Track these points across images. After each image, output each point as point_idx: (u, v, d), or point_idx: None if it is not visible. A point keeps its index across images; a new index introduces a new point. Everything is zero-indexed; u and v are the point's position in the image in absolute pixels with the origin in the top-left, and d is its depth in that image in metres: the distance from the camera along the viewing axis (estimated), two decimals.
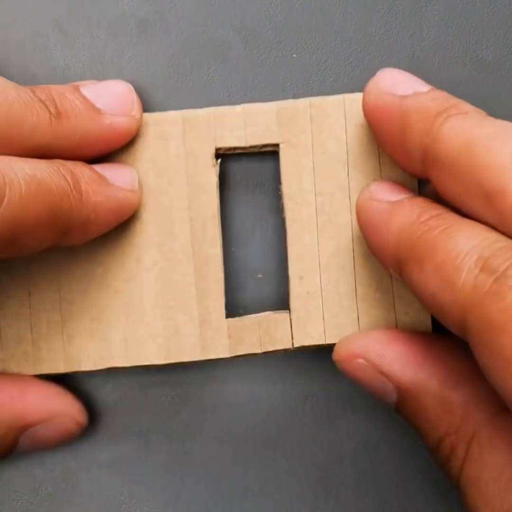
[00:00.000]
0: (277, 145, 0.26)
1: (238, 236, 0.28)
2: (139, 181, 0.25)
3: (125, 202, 0.25)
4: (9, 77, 0.28)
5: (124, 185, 0.25)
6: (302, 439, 0.28)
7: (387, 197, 0.23)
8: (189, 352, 0.26)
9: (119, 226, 0.25)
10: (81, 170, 0.23)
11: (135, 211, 0.25)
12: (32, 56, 0.28)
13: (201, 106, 0.27)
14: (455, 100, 0.22)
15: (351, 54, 0.28)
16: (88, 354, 0.25)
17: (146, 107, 0.28)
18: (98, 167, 0.24)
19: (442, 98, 0.22)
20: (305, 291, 0.25)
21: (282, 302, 0.27)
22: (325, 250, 0.25)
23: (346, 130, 0.25)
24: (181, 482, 0.28)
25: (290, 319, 0.26)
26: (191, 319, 0.25)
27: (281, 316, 0.26)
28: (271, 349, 0.26)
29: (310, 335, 0.26)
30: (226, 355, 0.26)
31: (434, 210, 0.22)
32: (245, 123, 0.25)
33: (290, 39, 0.28)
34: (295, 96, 0.28)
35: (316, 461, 0.28)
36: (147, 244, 0.25)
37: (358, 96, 0.25)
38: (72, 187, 0.22)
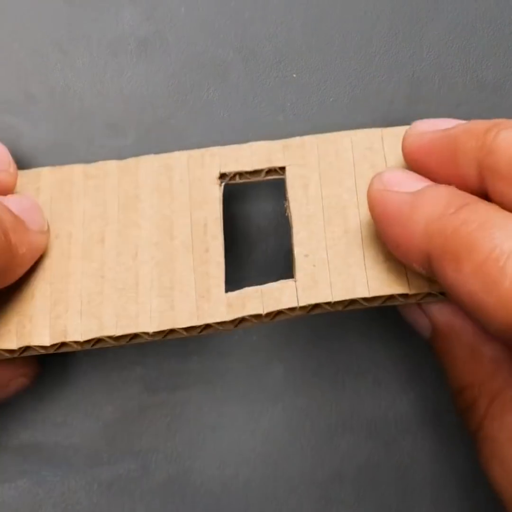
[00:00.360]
0: (283, 169, 0.25)
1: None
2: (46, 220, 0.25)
3: (40, 247, 0.24)
4: (10, 97, 0.28)
5: (37, 227, 0.24)
6: (302, 458, 0.28)
7: (404, 187, 0.22)
8: (184, 320, 0.23)
9: (117, 230, 0.25)
10: (5, 216, 0.23)
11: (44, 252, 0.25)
12: (32, 75, 0.28)
13: (201, 126, 0.27)
14: (500, 120, 0.22)
15: (351, 74, 0.28)
16: (75, 328, 0.23)
17: (147, 127, 0.28)
18: (12, 205, 0.24)
19: (486, 121, 0.22)
20: (311, 265, 0.24)
21: None
22: (332, 234, 0.24)
23: (353, 153, 0.25)
24: (181, 502, 0.28)
25: (296, 286, 0.23)
26: (187, 295, 0.24)
27: (286, 283, 0.24)
28: (275, 309, 0.23)
29: (317, 295, 0.23)
30: (225, 318, 0.23)
31: (461, 199, 0.21)
32: (251, 153, 0.25)
33: (290, 59, 0.28)
34: (295, 115, 0.28)
35: (316, 480, 0.28)
36: (145, 244, 0.25)
37: (365, 132, 0.25)
38: (4, 240, 0.22)
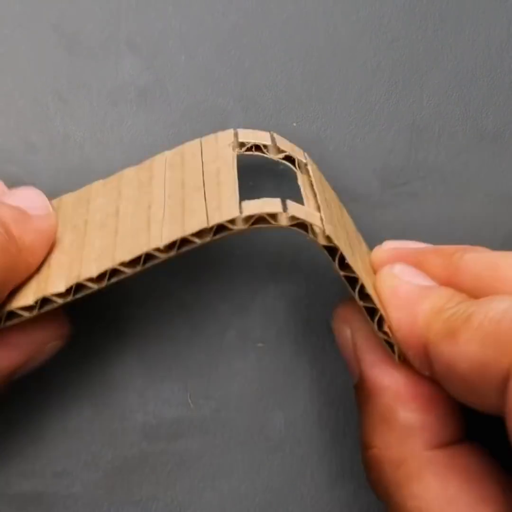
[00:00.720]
0: (306, 165, 0.25)
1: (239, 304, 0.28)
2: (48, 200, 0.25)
3: (49, 229, 0.24)
4: (10, 146, 0.28)
5: (41, 211, 0.24)
6: (302, 508, 0.28)
7: (415, 280, 0.24)
8: (195, 226, 0.22)
9: (132, 202, 0.25)
10: (2, 211, 0.23)
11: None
12: (32, 124, 0.28)
13: None
14: (465, 245, 0.24)
15: (351, 123, 0.28)
16: (90, 270, 0.23)
17: None
18: (8, 198, 0.24)
19: (453, 246, 0.25)
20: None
21: None
22: None
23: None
24: None
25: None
26: (198, 213, 0.22)
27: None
28: (298, 215, 0.22)
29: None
30: (237, 215, 0.22)
31: (463, 297, 0.22)
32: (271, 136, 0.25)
33: (290, 108, 0.28)
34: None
35: None
36: (157, 199, 0.24)
37: None
38: (5, 236, 0.22)
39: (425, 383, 0.23)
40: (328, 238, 0.22)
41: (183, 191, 0.24)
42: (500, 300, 0.21)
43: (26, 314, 0.23)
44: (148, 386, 0.28)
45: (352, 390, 0.28)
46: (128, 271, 0.23)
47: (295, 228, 0.22)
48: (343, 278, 0.22)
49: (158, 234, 0.22)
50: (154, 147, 0.28)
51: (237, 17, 0.28)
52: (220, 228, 0.22)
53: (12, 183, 0.28)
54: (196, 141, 0.25)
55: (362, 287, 0.22)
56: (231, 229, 0.22)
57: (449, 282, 0.23)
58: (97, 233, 0.24)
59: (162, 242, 0.22)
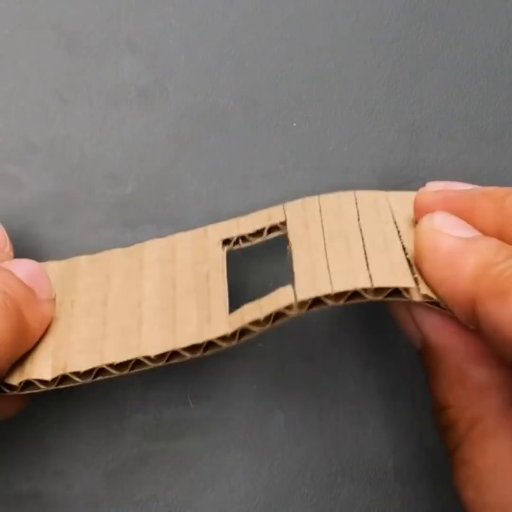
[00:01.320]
0: (284, 223, 0.24)
1: None
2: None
3: (49, 316, 0.24)
4: (10, 147, 0.28)
5: (46, 296, 0.24)
6: (303, 507, 0.28)
7: (457, 232, 0.22)
8: (186, 340, 0.22)
9: (121, 293, 0.25)
10: (18, 289, 0.23)
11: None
12: (32, 125, 0.28)
13: (201, 175, 0.27)
14: None
15: (351, 123, 0.28)
16: (76, 363, 0.23)
17: (146, 176, 0.28)
18: (15, 269, 0.24)
19: (505, 187, 0.23)
20: (311, 271, 0.22)
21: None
22: (334, 251, 0.23)
23: (357, 207, 0.24)
24: None
25: (294, 287, 0.22)
26: (189, 324, 0.23)
27: (283, 288, 0.22)
28: (272, 310, 0.22)
29: (316, 289, 0.22)
30: (226, 331, 0.22)
31: (509, 250, 0.21)
32: (251, 219, 0.25)
33: (290, 108, 0.28)
34: (296, 164, 0.28)
35: None
36: (148, 297, 0.24)
37: (369, 192, 0.25)
38: (18, 317, 0.22)
39: None
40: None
41: (174, 292, 0.24)
42: None
43: (6, 390, 0.23)
44: (148, 386, 0.28)
45: (351, 389, 0.28)
46: (115, 372, 0.23)
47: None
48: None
49: (149, 340, 0.23)
50: (154, 147, 0.28)
51: (237, 17, 0.28)
52: (210, 344, 0.22)
53: (13, 184, 0.28)
54: (187, 234, 0.25)
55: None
56: (220, 346, 0.22)
57: (502, 229, 0.22)
58: (84, 319, 0.24)
59: (153, 351, 0.22)
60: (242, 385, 0.28)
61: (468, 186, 0.23)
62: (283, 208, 0.25)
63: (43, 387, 0.23)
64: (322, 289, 0.21)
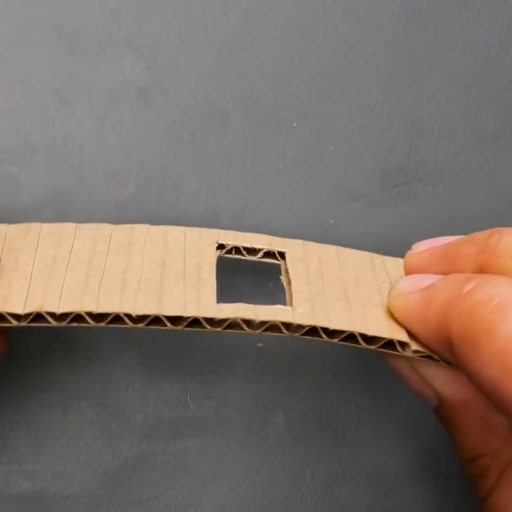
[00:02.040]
0: (282, 254, 0.25)
1: None
2: None
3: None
4: (10, 146, 0.28)
5: None
6: (303, 507, 0.28)
7: (418, 286, 0.22)
8: (172, 310, 0.22)
9: (106, 258, 0.24)
10: None
11: None
12: (32, 124, 0.28)
13: (201, 175, 0.27)
14: (500, 228, 0.22)
15: (351, 123, 0.28)
16: (54, 303, 0.22)
17: (146, 176, 0.28)
18: None
19: (487, 230, 0.22)
20: (310, 303, 0.23)
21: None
22: (333, 295, 0.23)
23: (354, 259, 0.25)
24: None
25: (293, 310, 0.22)
26: (176, 299, 0.22)
27: (282, 307, 0.23)
28: (270, 319, 0.22)
29: (315, 320, 0.22)
30: (215, 315, 0.22)
31: (471, 278, 0.21)
32: (250, 238, 0.25)
33: (290, 108, 0.28)
34: (296, 164, 0.28)
35: None
36: (135, 267, 0.24)
37: (366, 253, 0.25)
38: None
39: None
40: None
41: (162, 270, 0.24)
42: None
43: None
44: (148, 386, 0.28)
45: (351, 389, 0.28)
46: (92, 322, 0.22)
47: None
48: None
49: (131, 300, 0.22)
50: (154, 147, 0.28)
51: (237, 17, 0.28)
52: (194, 321, 0.22)
53: (13, 184, 0.28)
54: (181, 229, 0.25)
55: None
56: (204, 327, 0.22)
57: (484, 265, 0.21)
58: (67, 272, 0.24)
59: (135, 311, 0.22)
60: (242, 385, 0.28)
61: (452, 238, 0.23)
62: (284, 242, 0.25)
63: (15, 322, 0.22)
64: (320, 321, 0.22)
